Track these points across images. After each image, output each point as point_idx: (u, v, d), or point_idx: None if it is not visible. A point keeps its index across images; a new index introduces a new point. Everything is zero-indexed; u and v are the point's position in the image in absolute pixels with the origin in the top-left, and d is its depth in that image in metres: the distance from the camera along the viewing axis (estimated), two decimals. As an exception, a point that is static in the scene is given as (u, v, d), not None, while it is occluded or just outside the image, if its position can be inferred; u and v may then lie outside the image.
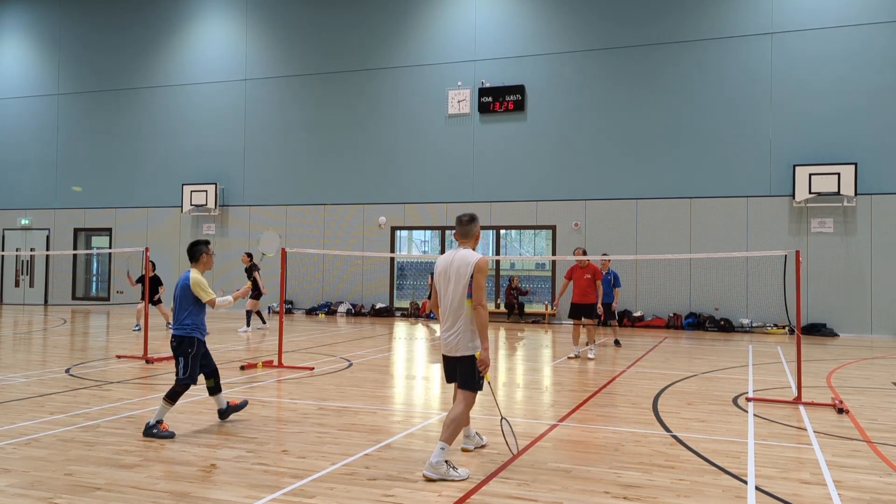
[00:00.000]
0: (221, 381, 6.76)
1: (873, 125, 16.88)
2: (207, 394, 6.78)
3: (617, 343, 13.92)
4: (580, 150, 19.27)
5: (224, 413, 6.74)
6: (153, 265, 15.69)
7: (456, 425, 5.16)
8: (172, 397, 6.29)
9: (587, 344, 12.02)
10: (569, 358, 11.72)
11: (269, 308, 21.58)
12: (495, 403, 6.16)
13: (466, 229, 5.41)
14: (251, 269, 15.52)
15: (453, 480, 4.93)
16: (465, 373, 5.29)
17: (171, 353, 11.24)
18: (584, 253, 12.35)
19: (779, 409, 7.67)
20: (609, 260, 14.30)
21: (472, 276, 5.18)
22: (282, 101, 22.39)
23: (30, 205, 25.27)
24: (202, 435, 6.20)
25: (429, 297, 19.95)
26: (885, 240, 16.71)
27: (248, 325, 16.19)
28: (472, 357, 5.25)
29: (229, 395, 7.59)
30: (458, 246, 5.45)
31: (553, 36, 19.68)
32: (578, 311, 12.01)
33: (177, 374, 6.43)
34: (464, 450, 5.75)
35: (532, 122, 19.75)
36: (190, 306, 6.46)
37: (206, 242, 6.78)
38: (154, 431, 6.09)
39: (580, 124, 19.31)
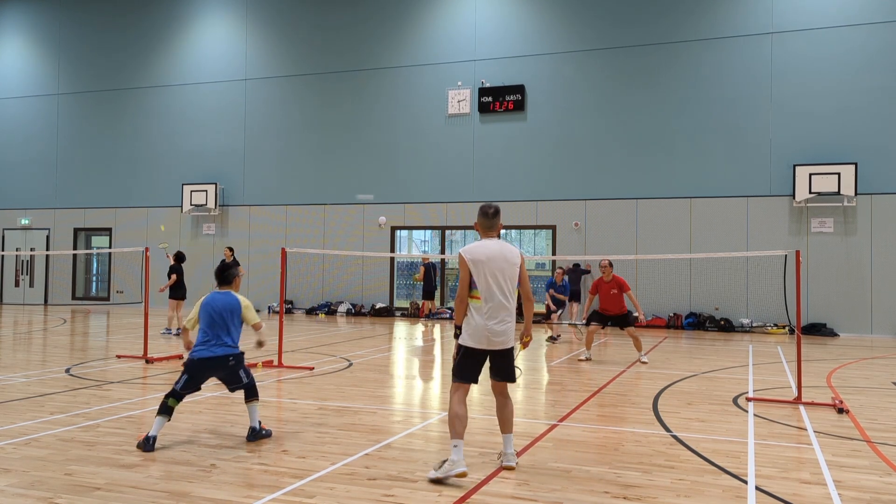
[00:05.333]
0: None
1: (873, 125, 16.88)
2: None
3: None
4: (580, 150, 19.27)
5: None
6: (182, 255, 14.83)
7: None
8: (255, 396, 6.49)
9: (640, 351, 11.31)
10: (579, 360, 11.39)
11: (269, 308, 21.58)
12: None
13: (493, 221, 5.42)
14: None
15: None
16: (510, 364, 5.38)
17: (171, 354, 11.32)
18: (610, 265, 11.61)
19: (779, 408, 7.67)
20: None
21: (520, 268, 5.36)
22: (282, 101, 22.39)
23: (30, 205, 25.27)
24: (202, 435, 6.20)
25: (425, 296, 19.81)
26: (885, 240, 16.71)
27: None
28: (513, 348, 5.41)
29: (226, 395, 7.61)
30: (482, 237, 5.44)
31: (553, 36, 19.68)
32: (604, 318, 11.62)
33: (242, 382, 6.42)
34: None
35: (532, 122, 19.75)
36: (239, 327, 6.67)
37: (236, 264, 6.94)
38: (262, 433, 6.13)
39: (580, 124, 19.31)
